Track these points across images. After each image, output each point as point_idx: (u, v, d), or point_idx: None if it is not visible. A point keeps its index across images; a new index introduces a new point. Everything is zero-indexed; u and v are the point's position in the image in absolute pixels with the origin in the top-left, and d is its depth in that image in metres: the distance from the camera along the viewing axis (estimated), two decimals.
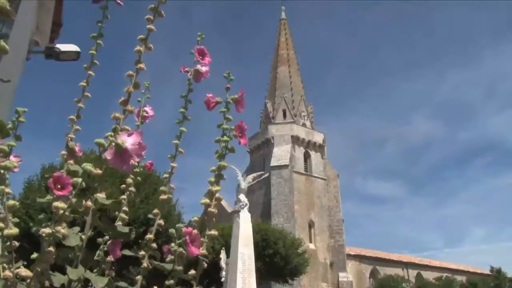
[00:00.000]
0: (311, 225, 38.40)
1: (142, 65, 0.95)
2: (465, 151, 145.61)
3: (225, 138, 1.00)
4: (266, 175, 38.47)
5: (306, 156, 42.15)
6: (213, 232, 1.01)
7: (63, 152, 1.12)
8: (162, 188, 1.17)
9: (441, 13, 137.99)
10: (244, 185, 15.51)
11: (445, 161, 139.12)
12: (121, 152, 0.77)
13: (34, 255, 0.94)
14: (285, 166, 38.74)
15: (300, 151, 41.65)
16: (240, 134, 1.01)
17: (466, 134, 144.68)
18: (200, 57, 1.11)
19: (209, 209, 0.98)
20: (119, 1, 1.08)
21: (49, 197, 1.02)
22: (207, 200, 0.99)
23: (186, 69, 1.14)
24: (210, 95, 1.08)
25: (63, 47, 7.06)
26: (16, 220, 0.99)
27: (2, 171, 0.87)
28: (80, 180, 0.87)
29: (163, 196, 1.17)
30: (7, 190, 0.89)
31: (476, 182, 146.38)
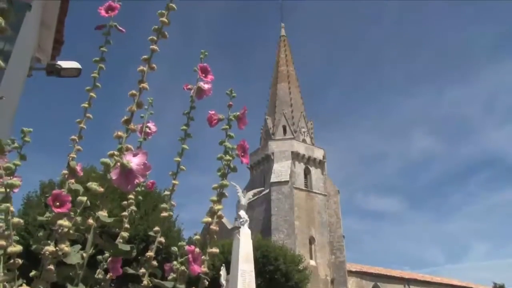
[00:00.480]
0: (311, 241, 38.16)
1: (145, 85, 0.96)
2: (465, 166, 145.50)
3: (228, 157, 1.00)
4: (266, 191, 38.40)
5: (306, 172, 42.10)
6: (215, 250, 1.01)
7: (64, 171, 1.13)
8: (163, 205, 1.18)
9: (438, 27, 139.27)
10: (244, 201, 15.49)
11: (445, 176, 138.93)
12: (126, 172, 0.78)
13: (33, 273, 0.94)
14: (285, 182, 38.68)
15: (300, 167, 41.62)
16: (242, 154, 1.02)
17: (466, 150, 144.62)
18: (203, 75, 1.12)
19: (211, 227, 0.99)
20: (121, 29, 1.09)
21: (48, 214, 1.03)
22: (209, 219, 0.99)
23: (189, 86, 1.15)
24: (212, 112, 1.09)
25: (64, 64, 7.13)
26: (16, 238, 1.00)
27: (7, 190, 0.88)
28: (85, 198, 0.87)
29: (164, 214, 1.17)
30: (11, 208, 0.90)
31: (476, 197, 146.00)
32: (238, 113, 1.06)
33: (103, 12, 1.08)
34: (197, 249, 0.97)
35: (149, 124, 1.19)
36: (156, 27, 0.99)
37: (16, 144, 1.12)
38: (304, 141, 43.78)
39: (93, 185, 0.84)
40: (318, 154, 43.36)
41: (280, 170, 39.89)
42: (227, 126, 1.06)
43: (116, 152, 0.85)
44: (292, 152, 41.03)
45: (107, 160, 0.82)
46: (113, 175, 0.78)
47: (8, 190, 0.92)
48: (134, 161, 0.78)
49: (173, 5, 1.00)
